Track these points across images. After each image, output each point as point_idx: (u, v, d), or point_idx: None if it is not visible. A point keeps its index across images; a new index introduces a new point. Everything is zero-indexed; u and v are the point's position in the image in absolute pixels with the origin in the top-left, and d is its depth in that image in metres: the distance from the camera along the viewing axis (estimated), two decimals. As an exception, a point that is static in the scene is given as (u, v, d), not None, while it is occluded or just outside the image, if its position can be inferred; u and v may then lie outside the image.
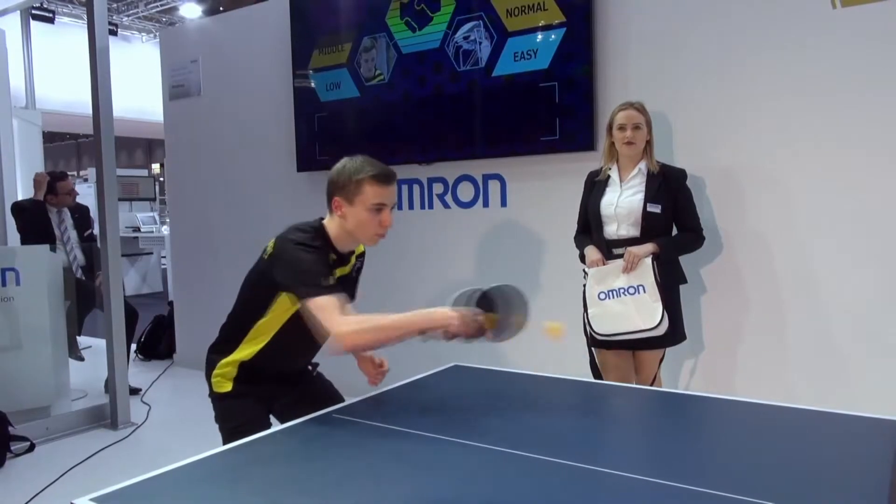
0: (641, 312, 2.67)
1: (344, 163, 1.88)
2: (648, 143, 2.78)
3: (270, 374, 1.96)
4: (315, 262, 1.76)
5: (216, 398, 1.96)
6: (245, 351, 1.91)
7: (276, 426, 1.73)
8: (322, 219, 1.91)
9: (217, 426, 1.96)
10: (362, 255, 2.09)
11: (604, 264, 2.75)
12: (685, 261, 2.88)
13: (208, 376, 1.97)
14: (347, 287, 1.93)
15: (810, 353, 2.92)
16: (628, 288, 2.69)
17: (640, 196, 2.73)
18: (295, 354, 2.00)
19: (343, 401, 1.94)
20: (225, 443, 1.77)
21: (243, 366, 1.92)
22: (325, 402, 1.87)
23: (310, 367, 2.11)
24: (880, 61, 2.69)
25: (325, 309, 1.69)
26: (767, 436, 1.53)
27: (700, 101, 3.10)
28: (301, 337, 1.83)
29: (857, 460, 1.36)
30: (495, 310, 1.67)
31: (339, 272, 1.87)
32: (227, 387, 1.93)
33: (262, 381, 1.94)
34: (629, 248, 2.69)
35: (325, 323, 1.67)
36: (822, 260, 2.87)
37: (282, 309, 1.85)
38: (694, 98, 3.12)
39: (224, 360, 1.93)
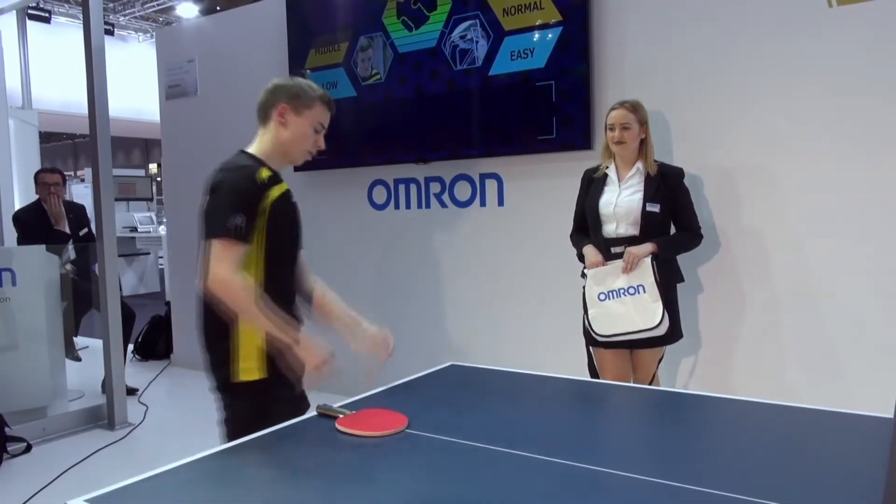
0: (641, 312, 2.67)
1: (294, 77, 1.97)
2: (644, 141, 2.77)
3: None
4: (228, 200, 1.73)
5: (241, 391, 1.76)
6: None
7: (275, 426, 1.72)
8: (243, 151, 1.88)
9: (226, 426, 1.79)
10: None
11: (603, 265, 2.75)
12: (682, 260, 2.88)
13: (221, 365, 1.77)
14: (294, 210, 1.90)
15: (807, 351, 2.92)
16: (628, 288, 2.69)
17: (639, 195, 2.73)
18: (293, 272, 1.92)
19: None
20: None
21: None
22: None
23: None
24: (877, 60, 2.70)
25: (220, 251, 1.69)
26: (764, 434, 1.53)
27: (697, 100, 3.11)
28: (287, 246, 1.87)
29: (853, 458, 1.37)
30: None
31: (276, 191, 1.81)
32: (256, 373, 1.74)
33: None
34: (628, 249, 2.69)
35: (213, 263, 1.67)
36: (819, 258, 2.88)
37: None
38: (691, 97, 3.12)
39: (242, 341, 1.75)
